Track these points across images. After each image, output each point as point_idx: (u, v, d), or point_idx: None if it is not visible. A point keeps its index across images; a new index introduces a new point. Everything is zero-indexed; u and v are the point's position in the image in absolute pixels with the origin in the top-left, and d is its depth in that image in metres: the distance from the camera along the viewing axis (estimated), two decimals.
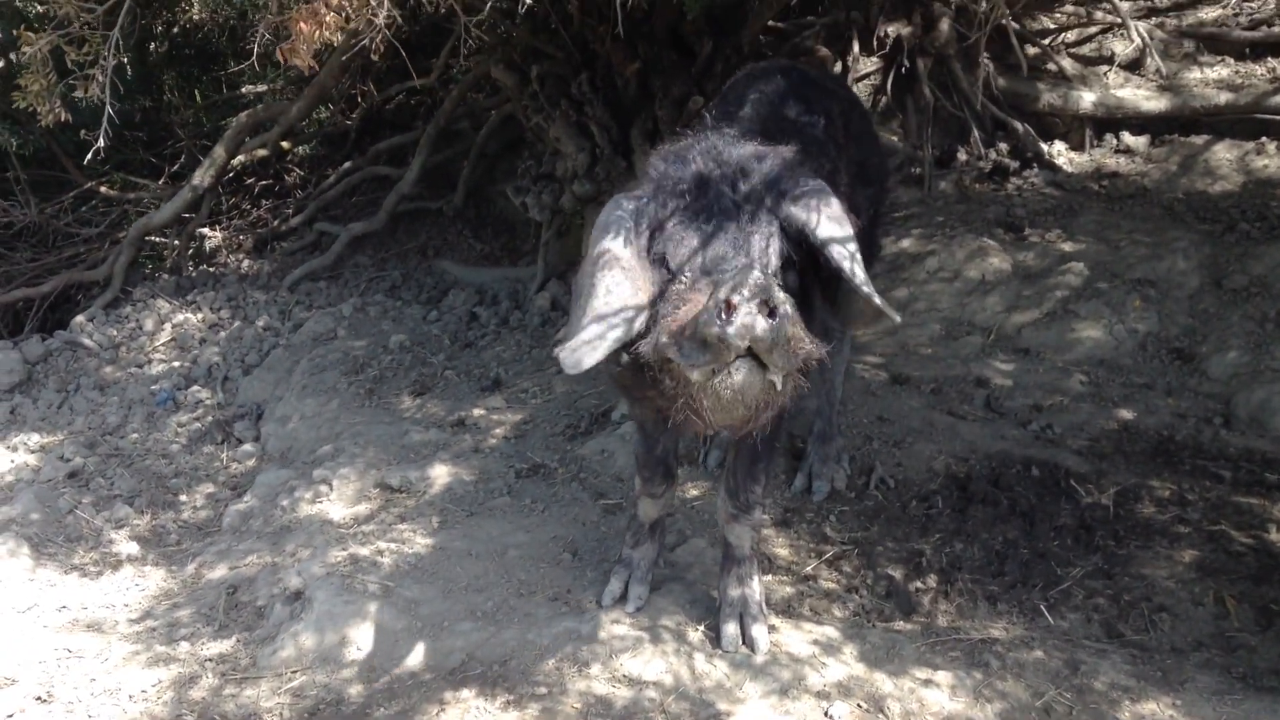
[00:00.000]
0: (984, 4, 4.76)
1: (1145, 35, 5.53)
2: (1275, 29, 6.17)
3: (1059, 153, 6.15)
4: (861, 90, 6.36)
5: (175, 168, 7.35)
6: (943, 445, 3.86)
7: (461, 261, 6.78)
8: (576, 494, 3.80)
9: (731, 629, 2.83)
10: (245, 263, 7.01)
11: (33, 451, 4.83)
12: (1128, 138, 6.06)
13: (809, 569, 3.26)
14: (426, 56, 6.31)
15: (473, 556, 3.35)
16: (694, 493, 3.73)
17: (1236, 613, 2.98)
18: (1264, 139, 5.70)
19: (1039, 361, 4.56)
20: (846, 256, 2.25)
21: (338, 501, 3.88)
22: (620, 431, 4.13)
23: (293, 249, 7.10)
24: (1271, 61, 6.11)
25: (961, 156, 6.22)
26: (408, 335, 5.61)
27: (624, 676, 2.73)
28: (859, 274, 2.24)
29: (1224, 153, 5.75)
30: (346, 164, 7.45)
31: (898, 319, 2.26)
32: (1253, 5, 6.39)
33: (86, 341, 5.82)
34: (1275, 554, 3.20)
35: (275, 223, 7.39)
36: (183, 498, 4.40)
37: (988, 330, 4.81)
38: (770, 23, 5.55)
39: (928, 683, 2.68)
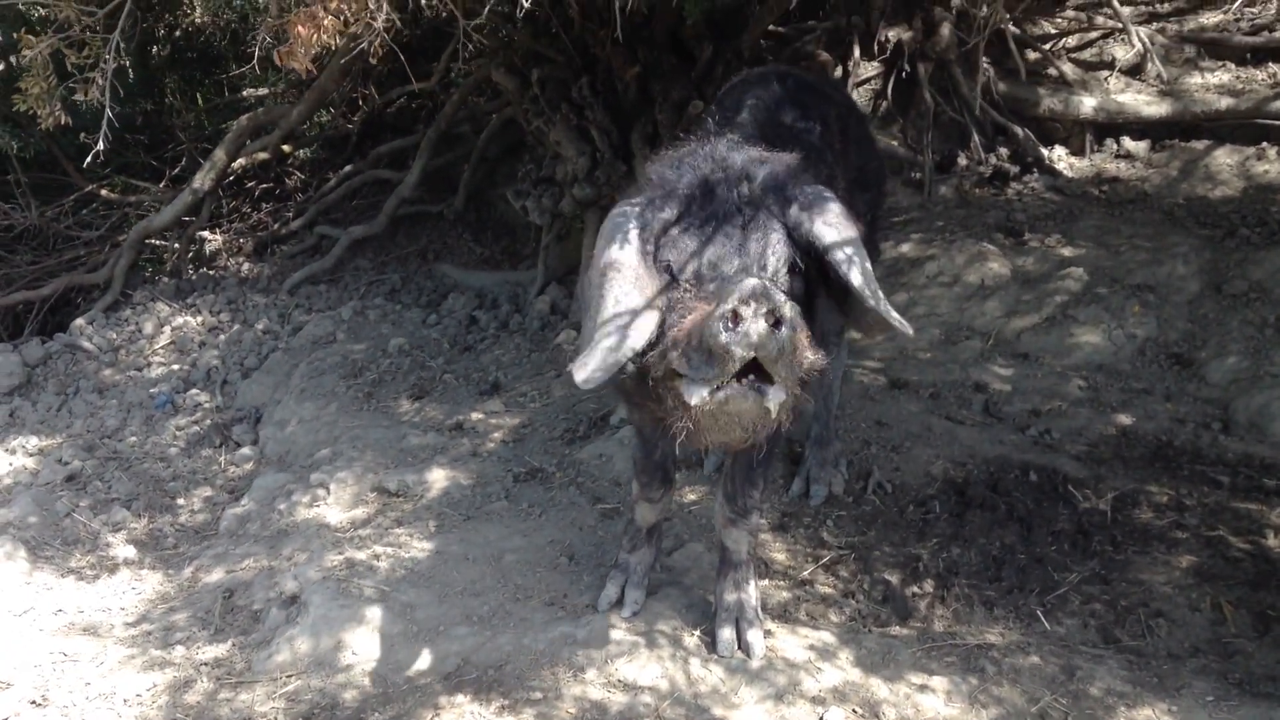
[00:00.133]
0: (984, 9, 4.76)
1: (1146, 40, 5.54)
2: (1276, 34, 6.17)
3: (1059, 158, 6.15)
4: (862, 95, 6.36)
5: (176, 171, 7.35)
6: (941, 450, 3.85)
7: (461, 265, 6.79)
8: (574, 498, 3.80)
9: (727, 634, 2.82)
10: (245, 266, 7.02)
11: (31, 454, 4.83)
12: (1128, 143, 6.06)
13: (806, 574, 3.25)
14: (427, 60, 6.32)
15: (469, 561, 3.34)
16: (691, 497, 3.72)
17: (1233, 618, 2.97)
18: (1264, 144, 5.70)
19: (1038, 366, 4.55)
20: (857, 267, 2.23)
21: (335, 505, 3.88)
22: (618, 436, 4.13)
23: (293, 252, 7.10)
24: (1272, 67, 6.12)
25: (962, 161, 6.21)
26: (407, 339, 5.60)
27: (619, 681, 2.73)
28: (870, 287, 2.22)
29: (1224, 158, 5.75)
30: (347, 167, 7.46)
31: (910, 331, 2.25)
32: (1254, 10, 6.39)
33: (86, 344, 5.82)
34: (1273, 560, 3.20)
35: (275, 226, 7.40)
36: (180, 501, 4.40)
37: (987, 335, 4.80)
38: (771, 27, 5.56)
39: (923, 688, 2.67)
